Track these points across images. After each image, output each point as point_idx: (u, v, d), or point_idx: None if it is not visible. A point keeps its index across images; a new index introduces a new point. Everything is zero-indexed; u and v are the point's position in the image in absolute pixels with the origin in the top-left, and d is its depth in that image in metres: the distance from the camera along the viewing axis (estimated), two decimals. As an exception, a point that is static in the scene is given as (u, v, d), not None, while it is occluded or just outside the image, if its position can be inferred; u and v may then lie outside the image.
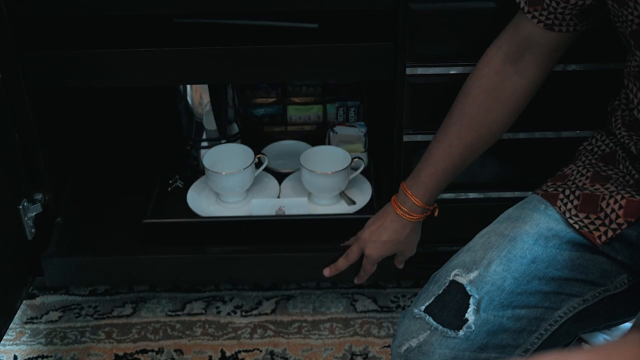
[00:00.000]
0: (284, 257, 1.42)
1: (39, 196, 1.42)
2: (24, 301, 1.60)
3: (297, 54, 1.32)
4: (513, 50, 1.13)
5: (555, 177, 1.14)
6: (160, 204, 1.55)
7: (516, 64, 1.14)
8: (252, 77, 1.46)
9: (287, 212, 1.49)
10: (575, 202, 1.06)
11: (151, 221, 1.48)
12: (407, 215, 1.27)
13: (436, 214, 1.30)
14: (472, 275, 1.02)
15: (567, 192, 1.08)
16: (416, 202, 1.25)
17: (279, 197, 1.56)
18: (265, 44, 1.32)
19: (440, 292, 1.02)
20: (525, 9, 1.08)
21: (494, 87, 1.15)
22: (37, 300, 1.63)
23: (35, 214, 1.41)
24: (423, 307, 1.02)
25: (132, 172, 1.67)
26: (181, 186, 1.61)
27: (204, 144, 1.63)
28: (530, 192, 1.16)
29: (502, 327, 0.99)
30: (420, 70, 1.31)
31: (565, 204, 1.07)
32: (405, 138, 1.38)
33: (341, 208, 1.53)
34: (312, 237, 1.45)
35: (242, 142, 1.64)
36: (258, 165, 1.55)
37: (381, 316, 1.56)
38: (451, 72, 1.30)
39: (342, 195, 1.54)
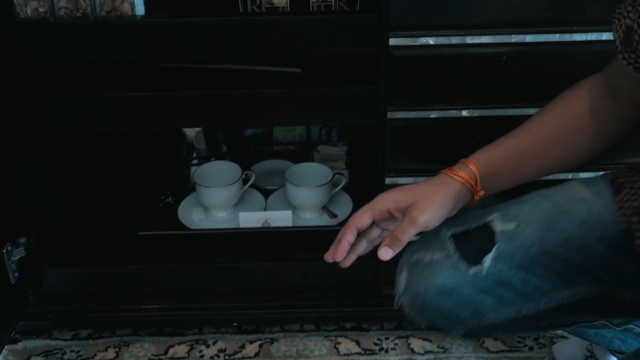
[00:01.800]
0: (269, 267, 1.51)
1: (22, 240, 1.45)
2: (6, 346, 1.57)
3: (280, 99, 1.38)
4: (608, 83, 1.08)
5: (633, 168, 1.09)
6: (153, 218, 1.64)
7: (610, 98, 1.08)
8: (236, 122, 1.52)
9: (273, 225, 1.58)
10: (636, 203, 1.02)
11: (144, 233, 1.57)
12: (458, 177, 1.07)
13: (476, 198, 1.09)
14: (508, 227, 1.04)
15: (634, 189, 1.04)
16: (473, 170, 1.08)
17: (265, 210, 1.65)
18: (250, 89, 1.37)
19: (472, 227, 1.05)
20: (618, 48, 1.01)
21: (585, 111, 1.09)
22: (20, 345, 1.60)
23: (19, 258, 1.43)
24: (450, 232, 1.05)
25: (125, 190, 1.76)
26: (172, 202, 1.70)
27: (195, 162, 1.72)
28: (602, 172, 1.13)
29: (508, 283, 1.03)
30: (401, 114, 1.37)
31: (626, 200, 1.04)
32: (387, 181, 1.44)
33: (323, 221, 1.62)
34: (297, 248, 1.54)
35: (230, 161, 1.73)
36: (245, 181, 1.64)
37: (364, 359, 1.56)
38: (431, 116, 1.37)
39: (325, 209, 1.64)
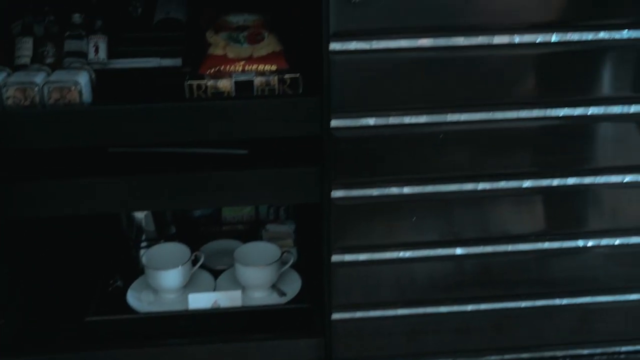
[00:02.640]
0: (219, 349, 1.51)
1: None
2: None
3: (228, 181, 1.42)
4: None
5: None
6: (102, 303, 1.63)
7: None
8: (185, 204, 1.55)
9: (223, 305, 1.59)
10: None
11: (93, 319, 1.56)
12: None
13: None
14: None
15: None
16: None
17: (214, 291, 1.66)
18: (198, 172, 1.41)
19: None
20: None
21: None
22: None
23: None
24: None
25: (73, 275, 1.75)
26: (122, 285, 1.69)
27: (144, 244, 1.73)
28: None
29: None
30: (344, 193, 1.41)
31: None
32: (334, 258, 1.48)
33: (273, 299, 1.63)
34: (246, 328, 1.55)
35: (179, 242, 1.74)
36: (195, 262, 1.65)
37: None
38: (374, 194, 1.41)
39: (274, 287, 1.65)
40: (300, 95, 1.40)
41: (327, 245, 1.48)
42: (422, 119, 1.36)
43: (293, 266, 1.69)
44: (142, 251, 1.71)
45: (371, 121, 1.36)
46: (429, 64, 1.32)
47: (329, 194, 1.42)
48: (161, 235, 1.74)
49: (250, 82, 1.39)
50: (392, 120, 1.36)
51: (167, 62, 1.44)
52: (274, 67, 1.42)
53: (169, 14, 1.51)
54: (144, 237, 1.74)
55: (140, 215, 1.72)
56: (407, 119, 1.36)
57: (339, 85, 1.33)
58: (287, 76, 1.39)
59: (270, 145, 1.51)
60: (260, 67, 1.42)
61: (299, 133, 1.40)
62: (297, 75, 1.39)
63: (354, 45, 1.29)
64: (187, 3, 1.59)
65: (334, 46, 1.30)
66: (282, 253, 1.65)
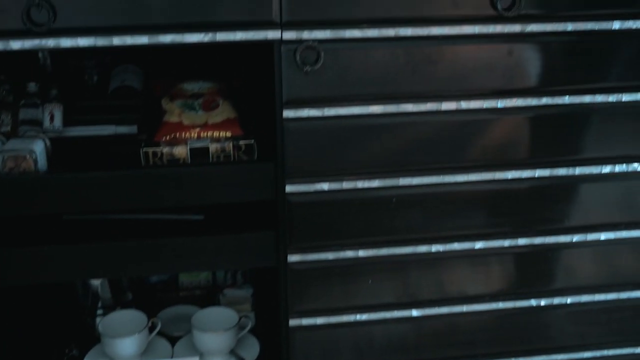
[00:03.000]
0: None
1: None
2: None
3: (184, 247, 1.42)
4: None
5: None
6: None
7: None
8: (142, 271, 1.54)
9: (180, 372, 1.58)
10: None
11: (47, 389, 1.54)
12: None
13: None
14: None
15: None
16: None
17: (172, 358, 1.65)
18: (154, 238, 1.41)
19: None
20: None
21: None
22: None
23: None
24: None
25: (28, 345, 1.72)
26: (77, 355, 1.67)
27: (100, 311, 1.72)
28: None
29: None
30: (300, 257, 1.43)
31: None
32: (291, 322, 1.48)
33: (231, 365, 1.63)
34: (204, 395, 1.54)
35: (136, 309, 1.73)
36: (152, 329, 1.64)
37: None
38: (329, 258, 1.43)
39: (232, 353, 1.64)
40: (255, 161, 1.42)
41: (284, 310, 1.48)
42: (375, 183, 1.39)
43: (251, 331, 1.69)
44: (98, 319, 1.70)
45: (325, 186, 1.38)
46: (380, 130, 1.36)
47: (285, 259, 1.43)
48: (117, 302, 1.73)
49: (206, 149, 1.41)
50: (346, 185, 1.38)
51: (122, 129, 1.45)
52: (229, 134, 1.44)
53: (124, 82, 1.53)
54: (99, 304, 1.72)
55: (96, 282, 1.71)
56: (360, 184, 1.38)
57: (293, 151, 1.35)
58: (242, 142, 1.42)
59: (226, 210, 1.52)
60: (216, 133, 1.44)
61: (255, 198, 1.41)
62: (252, 141, 1.42)
63: (306, 112, 1.32)
64: (142, 71, 1.62)
65: (287, 114, 1.32)
66: (240, 318, 1.64)
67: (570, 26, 1.33)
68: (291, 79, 1.30)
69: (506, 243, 1.47)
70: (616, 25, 1.35)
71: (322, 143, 1.35)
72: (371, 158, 1.38)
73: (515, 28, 1.32)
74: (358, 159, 1.38)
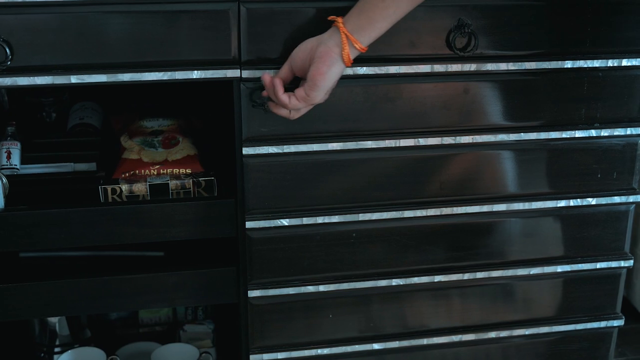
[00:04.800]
0: None
1: None
2: None
3: (143, 283, 1.41)
4: None
5: None
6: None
7: None
8: (101, 308, 1.52)
9: (140, 411, 1.56)
10: None
11: None
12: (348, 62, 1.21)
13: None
14: None
15: None
16: (361, 50, 1.21)
17: (131, 396, 1.63)
18: (113, 275, 1.40)
19: None
20: None
21: None
22: None
23: None
24: None
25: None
26: (34, 394, 1.65)
27: (57, 349, 1.69)
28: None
29: None
30: (260, 293, 1.42)
31: None
32: (252, 358, 1.47)
33: (192, 403, 1.62)
34: None
35: (95, 346, 1.71)
36: (111, 367, 1.63)
37: None
38: (290, 293, 1.43)
39: (193, 389, 1.64)
40: (216, 197, 1.42)
41: (245, 346, 1.47)
42: (335, 218, 1.39)
43: (212, 367, 1.68)
44: (55, 357, 1.67)
45: (285, 222, 1.38)
46: (340, 166, 1.37)
47: (246, 294, 1.43)
48: (76, 339, 1.71)
49: (166, 186, 1.41)
50: (306, 220, 1.39)
51: (81, 166, 1.45)
52: (189, 171, 1.44)
53: (83, 119, 1.53)
54: (57, 342, 1.70)
55: (53, 319, 1.68)
56: (320, 219, 1.39)
57: (253, 187, 1.35)
58: (202, 179, 1.42)
59: (187, 246, 1.51)
60: (175, 170, 1.44)
61: (215, 235, 1.41)
62: (212, 178, 1.42)
63: (266, 149, 1.33)
64: (101, 108, 1.61)
65: (247, 150, 1.33)
66: (201, 354, 1.64)
67: (525, 65, 1.36)
68: (251, 116, 1.31)
69: (465, 276, 1.49)
70: (568, 64, 1.38)
71: (282, 179, 1.36)
72: (331, 193, 1.39)
73: (471, 67, 1.34)
74: (318, 194, 1.38)
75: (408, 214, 1.42)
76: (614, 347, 1.65)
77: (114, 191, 1.39)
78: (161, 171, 1.43)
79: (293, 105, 1.23)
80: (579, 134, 1.44)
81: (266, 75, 1.23)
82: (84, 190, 1.41)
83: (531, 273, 1.52)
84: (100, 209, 1.37)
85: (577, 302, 1.58)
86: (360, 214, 1.40)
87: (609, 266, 1.55)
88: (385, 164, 1.39)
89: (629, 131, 1.45)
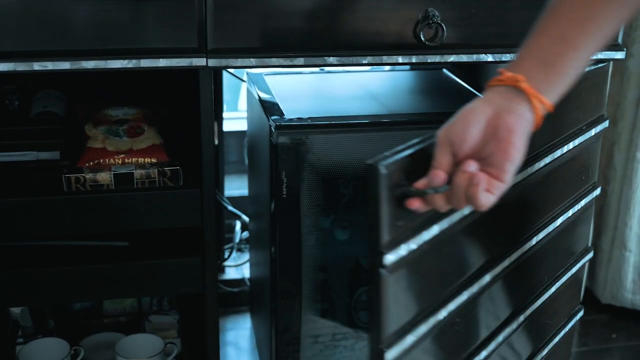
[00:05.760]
0: None
1: None
2: None
3: (107, 273, 1.40)
4: None
5: None
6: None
7: None
8: (65, 298, 1.51)
9: (103, 401, 1.55)
10: None
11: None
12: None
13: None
14: None
15: None
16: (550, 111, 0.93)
17: (95, 387, 1.62)
18: (77, 265, 1.39)
19: None
20: None
21: None
22: None
23: None
24: None
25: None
26: (-4, 385, 1.63)
27: (20, 340, 1.67)
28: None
29: None
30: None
31: None
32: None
33: (157, 393, 1.61)
34: None
35: (58, 337, 1.69)
36: (74, 357, 1.61)
37: None
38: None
39: (158, 380, 1.63)
40: (181, 187, 1.41)
41: (211, 335, 1.47)
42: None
43: (177, 357, 1.67)
44: (18, 348, 1.65)
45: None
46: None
47: (213, 284, 1.43)
48: (39, 330, 1.69)
49: (130, 175, 1.39)
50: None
51: (44, 155, 1.43)
52: (154, 160, 1.43)
53: (46, 107, 1.51)
54: (20, 332, 1.68)
55: (16, 310, 1.67)
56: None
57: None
58: (167, 169, 1.41)
59: (152, 236, 1.50)
60: (140, 159, 1.43)
61: (180, 225, 1.40)
62: (177, 167, 1.41)
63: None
64: (65, 97, 1.59)
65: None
66: (166, 344, 1.63)
67: (490, 57, 1.37)
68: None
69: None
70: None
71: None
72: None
73: (435, 58, 1.35)
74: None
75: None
76: (576, 338, 1.68)
77: (77, 180, 1.38)
78: (126, 160, 1.42)
79: (488, 203, 0.89)
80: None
81: (439, 173, 0.89)
82: (47, 179, 1.39)
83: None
84: (64, 198, 1.36)
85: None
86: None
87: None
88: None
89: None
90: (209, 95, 1.32)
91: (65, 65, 1.23)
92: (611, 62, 1.39)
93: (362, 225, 1.67)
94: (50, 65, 1.23)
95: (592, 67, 1.36)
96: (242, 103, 2.47)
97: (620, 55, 1.40)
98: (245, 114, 1.86)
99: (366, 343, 1.69)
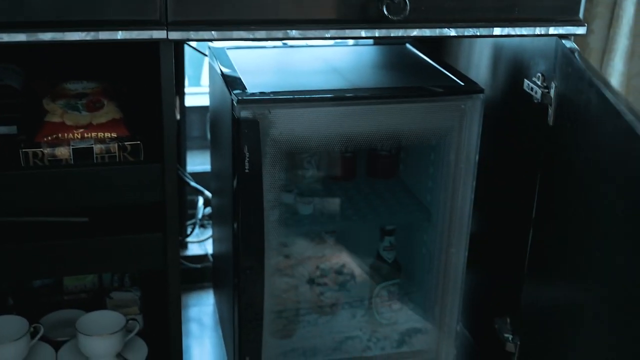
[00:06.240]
0: None
1: None
2: None
3: (67, 250, 1.38)
4: None
5: None
6: None
7: None
8: (23, 275, 1.50)
9: (64, 378, 1.54)
10: None
11: None
12: None
13: None
14: None
15: None
16: None
17: (56, 364, 1.60)
18: (35, 242, 1.37)
19: None
20: None
21: None
22: None
23: None
24: None
25: None
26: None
27: (-23, 318, 1.65)
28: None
29: None
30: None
31: None
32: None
33: (119, 369, 1.60)
34: (90, 401, 1.51)
35: (18, 314, 1.67)
36: (34, 335, 1.59)
37: None
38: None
39: (119, 356, 1.61)
40: (142, 162, 1.39)
41: (174, 312, 1.46)
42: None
43: (139, 333, 1.66)
44: (-26, 326, 1.63)
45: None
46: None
47: (176, 259, 1.42)
48: (-3, 308, 1.67)
49: (90, 150, 1.37)
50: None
51: (1, 129, 1.40)
52: (114, 135, 1.41)
53: (3, 81, 1.47)
54: (-23, 310, 1.65)
55: (-27, 287, 1.64)
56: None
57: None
58: (127, 143, 1.39)
59: (112, 212, 1.49)
60: (100, 134, 1.41)
61: (141, 200, 1.39)
62: (138, 142, 1.39)
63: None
64: (23, 71, 1.56)
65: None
66: (128, 321, 1.61)
67: (452, 31, 1.37)
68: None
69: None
70: (496, 31, 1.39)
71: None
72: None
73: (398, 32, 1.34)
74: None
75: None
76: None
77: (35, 155, 1.35)
78: (85, 135, 1.40)
79: None
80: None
81: None
82: (4, 154, 1.36)
83: None
84: (21, 173, 1.34)
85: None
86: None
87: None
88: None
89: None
90: (170, 69, 1.30)
91: (21, 37, 1.20)
92: (572, 38, 1.40)
93: (324, 200, 1.67)
94: (5, 37, 1.20)
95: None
96: (205, 78, 2.44)
97: (581, 30, 1.41)
98: (207, 89, 1.84)
99: (330, 317, 1.69)
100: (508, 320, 1.60)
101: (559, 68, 1.36)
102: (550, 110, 1.37)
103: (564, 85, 1.34)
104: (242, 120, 1.37)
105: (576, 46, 1.35)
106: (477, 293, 1.76)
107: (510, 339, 1.56)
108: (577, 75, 1.30)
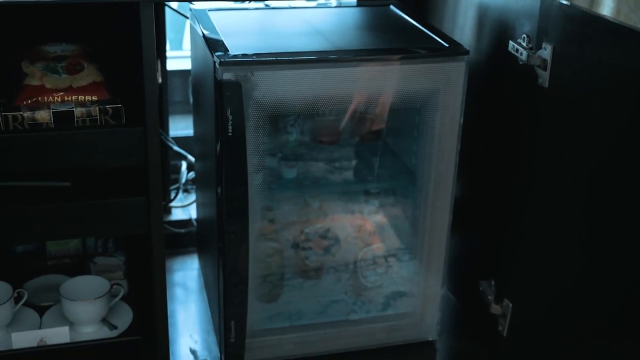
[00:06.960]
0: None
1: None
2: None
3: (50, 214, 1.37)
4: None
5: None
6: None
7: None
8: (6, 241, 1.49)
9: (49, 343, 1.53)
10: None
11: None
12: None
13: None
14: None
15: None
16: None
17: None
18: (17, 206, 1.36)
19: None
20: None
21: None
22: None
23: None
24: None
25: None
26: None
27: (-39, 284, 1.64)
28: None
29: None
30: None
31: None
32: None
33: (103, 334, 1.59)
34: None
35: (1, 280, 1.66)
36: (18, 300, 1.58)
37: None
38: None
39: (104, 321, 1.61)
40: (124, 125, 1.38)
41: (158, 276, 1.46)
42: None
43: (124, 298, 1.66)
44: (-41, 291, 1.62)
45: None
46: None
47: (159, 224, 1.41)
48: (-20, 273, 1.66)
49: (70, 113, 1.36)
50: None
51: (-20, 93, 1.38)
52: (95, 98, 1.39)
53: (-20, 44, 1.45)
54: (-39, 276, 1.64)
55: (-45, 253, 1.63)
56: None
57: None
58: (108, 107, 1.37)
59: (94, 176, 1.47)
60: (81, 97, 1.39)
61: (124, 164, 1.38)
62: (119, 105, 1.37)
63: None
64: (0, 33, 1.53)
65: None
66: (112, 286, 1.61)
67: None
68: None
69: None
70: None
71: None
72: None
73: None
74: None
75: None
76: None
77: (15, 119, 1.34)
78: (65, 98, 1.38)
79: None
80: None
81: None
82: (-18, 118, 1.35)
83: None
84: (1, 137, 1.32)
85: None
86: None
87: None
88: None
89: None
90: (151, 30, 1.28)
91: (-3, -3, 1.18)
92: None
93: (308, 164, 1.66)
94: (-19, -2, 1.18)
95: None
96: (187, 42, 2.41)
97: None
98: (190, 53, 1.81)
99: (315, 282, 1.70)
100: (492, 282, 1.60)
101: (555, 27, 1.32)
102: (545, 72, 1.35)
103: (563, 44, 1.31)
104: (225, 83, 1.35)
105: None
106: (462, 256, 1.77)
107: (493, 300, 1.57)
108: (580, 26, 1.25)
